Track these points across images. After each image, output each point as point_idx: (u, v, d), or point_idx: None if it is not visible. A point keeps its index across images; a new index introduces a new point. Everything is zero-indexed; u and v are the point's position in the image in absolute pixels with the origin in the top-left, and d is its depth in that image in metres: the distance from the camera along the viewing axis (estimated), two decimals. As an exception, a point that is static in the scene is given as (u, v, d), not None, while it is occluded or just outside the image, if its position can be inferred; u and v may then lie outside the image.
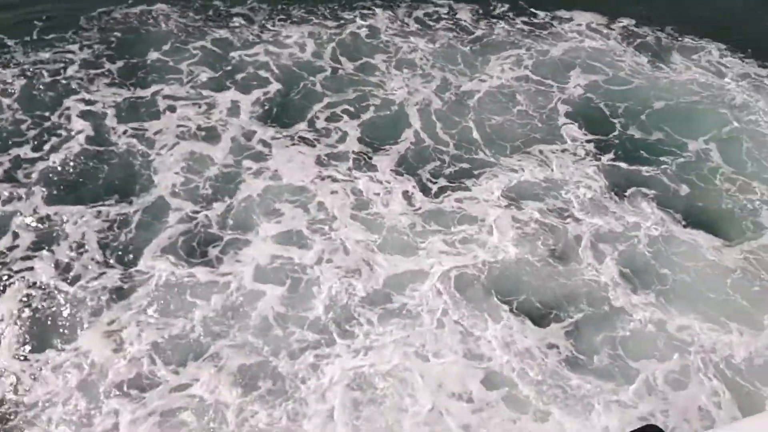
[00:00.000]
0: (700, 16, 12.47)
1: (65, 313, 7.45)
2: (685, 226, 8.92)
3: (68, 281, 7.76)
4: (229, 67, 10.68)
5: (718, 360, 7.48)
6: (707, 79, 11.22)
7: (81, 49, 10.98)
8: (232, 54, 10.89)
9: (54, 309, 7.48)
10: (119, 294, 7.70)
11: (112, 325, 7.37)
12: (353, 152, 9.50)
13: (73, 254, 8.06)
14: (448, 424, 6.57)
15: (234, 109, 9.99)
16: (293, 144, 9.56)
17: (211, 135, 9.63)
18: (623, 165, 9.73)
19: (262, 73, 10.60)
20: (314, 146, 9.55)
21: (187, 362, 7.03)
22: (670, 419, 6.89)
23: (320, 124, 9.88)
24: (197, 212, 8.63)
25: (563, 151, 9.86)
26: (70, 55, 10.83)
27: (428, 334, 7.35)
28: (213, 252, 8.15)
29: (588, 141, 10.04)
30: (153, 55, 10.82)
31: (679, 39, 12.00)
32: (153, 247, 8.22)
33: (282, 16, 11.82)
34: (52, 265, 7.93)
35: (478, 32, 11.65)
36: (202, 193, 8.86)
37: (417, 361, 7.08)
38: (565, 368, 7.22)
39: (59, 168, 9.00)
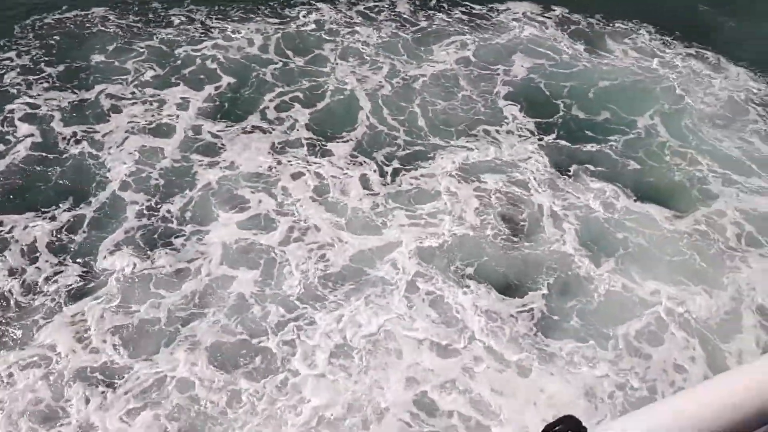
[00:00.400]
0: (626, 2, 13.01)
1: (24, 314, 7.27)
2: (636, 200, 9.24)
3: (24, 283, 7.58)
4: (177, 63, 10.63)
5: (685, 319, 7.78)
6: (642, 60, 11.72)
7: (18, 56, 10.75)
8: (179, 51, 10.85)
9: (11, 311, 7.28)
10: (81, 291, 7.58)
11: (75, 318, 7.24)
12: (309, 140, 9.59)
13: (25, 259, 7.87)
14: (435, 379, 6.67)
15: (184, 105, 9.95)
16: (247, 133, 9.57)
17: (163, 130, 9.58)
18: (570, 144, 10.04)
19: (212, 68, 10.59)
20: (269, 134, 9.59)
21: (161, 348, 6.94)
22: (650, 373, 7.15)
23: (274, 114, 9.93)
24: (156, 205, 8.55)
25: (509, 132, 10.14)
26: (7, 62, 10.59)
27: (403, 302, 7.46)
28: (177, 242, 8.08)
29: (535, 122, 10.34)
30: (96, 57, 10.68)
31: (610, 24, 12.48)
32: (112, 243, 8.11)
33: (220, 16, 11.81)
34: (6, 270, 7.71)
35: (419, 23, 11.90)
36: (159, 187, 8.80)
37: (396, 326, 7.18)
38: (541, 332, 7.43)
39: (6, 175, 8.78)
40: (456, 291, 7.62)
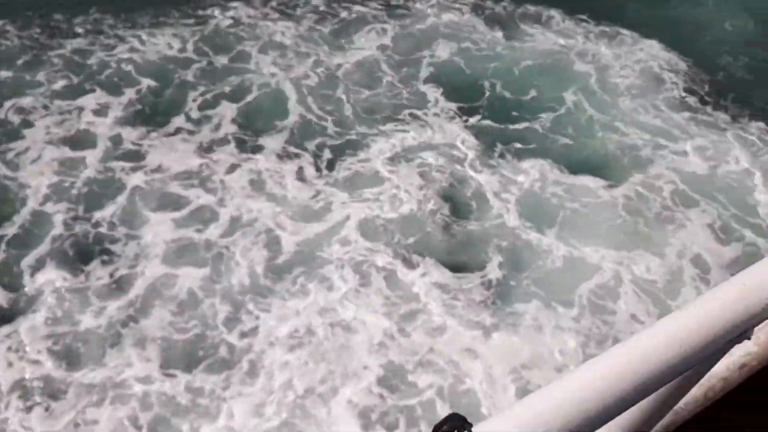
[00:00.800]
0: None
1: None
2: (570, 174, 9.36)
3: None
4: (92, 70, 10.14)
5: (634, 279, 7.96)
6: (558, 40, 11.94)
7: None
8: (93, 59, 10.34)
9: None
10: (11, 310, 7.13)
11: (10, 336, 6.75)
12: (239, 136, 9.32)
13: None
14: (401, 349, 6.55)
15: (103, 111, 9.50)
16: (171, 135, 9.23)
17: (83, 139, 9.12)
18: (499, 124, 10.10)
19: (130, 73, 10.14)
20: (196, 134, 9.28)
21: (107, 352, 6.55)
22: (611, 330, 7.27)
23: (199, 114, 9.60)
24: (83, 215, 8.14)
25: (436, 115, 10.13)
26: None
27: (357, 280, 7.36)
28: (111, 248, 7.69)
29: (462, 105, 10.34)
30: (2, 73, 10.08)
31: (520, 7, 12.66)
32: (40, 258, 7.66)
33: (129, 24, 11.35)
34: None
35: (337, 15, 11.78)
36: (85, 197, 8.37)
37: (353, 303, 7.04)
38: (499, 300, 7.44)
39: None
40: (408, 268, 7.57)
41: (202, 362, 6.48)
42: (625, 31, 12.39)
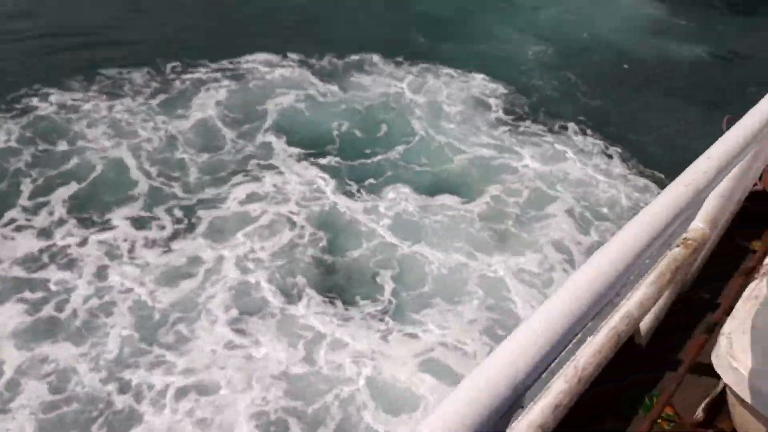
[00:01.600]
0: (348, 38, 13.87)
1: None
2: (430, 195, 9.73)
3: None
4: None
5: (518, 275, 8.33)
6: (389, 82, 12.47)
7: None
8: None
9: None
10: None
11: None
12: (84, 215, 8.76)
13: None
14: (302, 370, 6.30)
15: None
16: (4, 227, 8.50)
17: None
18: (352, 161, 10.34)
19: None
20: (34, 220, 8.60)
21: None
22: (512, 316, 7.45)
23: (34, 201, 8.90)
24: None
25: (286, 161, 10.13)
26: None
27: (243, 320, 7.04)
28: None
29: (314, 149, 10.46)
30: None
31: (343, 59, 13.12)
32: None
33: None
34: None
35: (169, 85, 11.57)
36: None
37: (242, 339, 6.73)
38: (396, 312, 7.45)
39: None
40: (293, 299, 7.39)
41: (96, 421, 5.91)
42: (445, 68, 13.18)
